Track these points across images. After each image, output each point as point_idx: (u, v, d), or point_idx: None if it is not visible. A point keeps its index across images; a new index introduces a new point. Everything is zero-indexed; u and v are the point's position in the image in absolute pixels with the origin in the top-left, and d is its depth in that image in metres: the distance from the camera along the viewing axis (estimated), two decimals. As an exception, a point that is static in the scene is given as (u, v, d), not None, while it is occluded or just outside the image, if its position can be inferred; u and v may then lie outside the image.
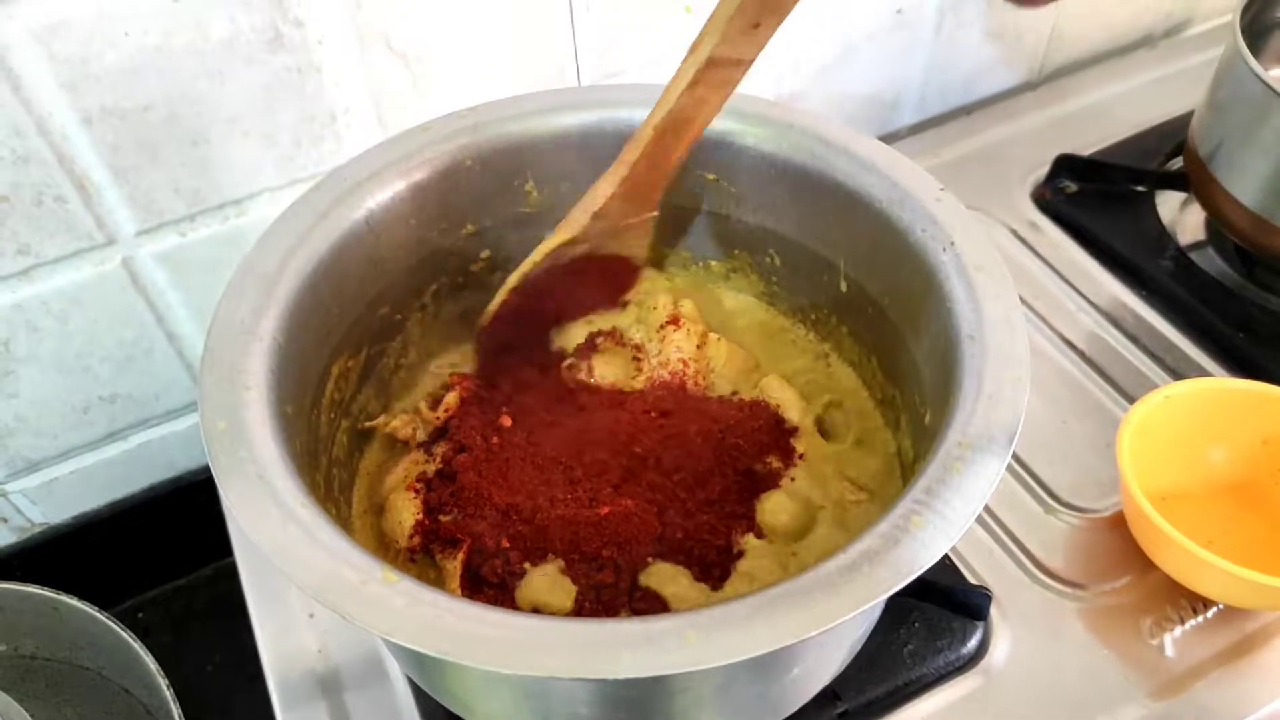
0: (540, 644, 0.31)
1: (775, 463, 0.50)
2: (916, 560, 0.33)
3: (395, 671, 0.55)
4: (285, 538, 0.34)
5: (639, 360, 0.55)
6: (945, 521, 0.34)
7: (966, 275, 0.43)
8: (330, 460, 0.48)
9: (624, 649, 0.30)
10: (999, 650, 0.55)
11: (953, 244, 0.45)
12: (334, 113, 0.60)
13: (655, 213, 0.55)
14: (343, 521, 0.48)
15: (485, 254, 0.57)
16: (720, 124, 0.52)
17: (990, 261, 0.44)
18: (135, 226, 0.59)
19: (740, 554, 0.46)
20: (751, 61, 0.46)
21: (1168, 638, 0.55)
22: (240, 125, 0.58)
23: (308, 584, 0.33)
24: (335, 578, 0.33)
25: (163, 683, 0.60)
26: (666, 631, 0.31)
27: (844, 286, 0.53)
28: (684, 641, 0.30)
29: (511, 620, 0.32)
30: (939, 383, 0.43)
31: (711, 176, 0.55)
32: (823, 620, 0.31)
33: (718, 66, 0.46)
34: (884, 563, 0.33)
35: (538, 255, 0.54)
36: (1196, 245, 0.77)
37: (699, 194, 0.56)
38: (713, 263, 0.60)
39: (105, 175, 0.56)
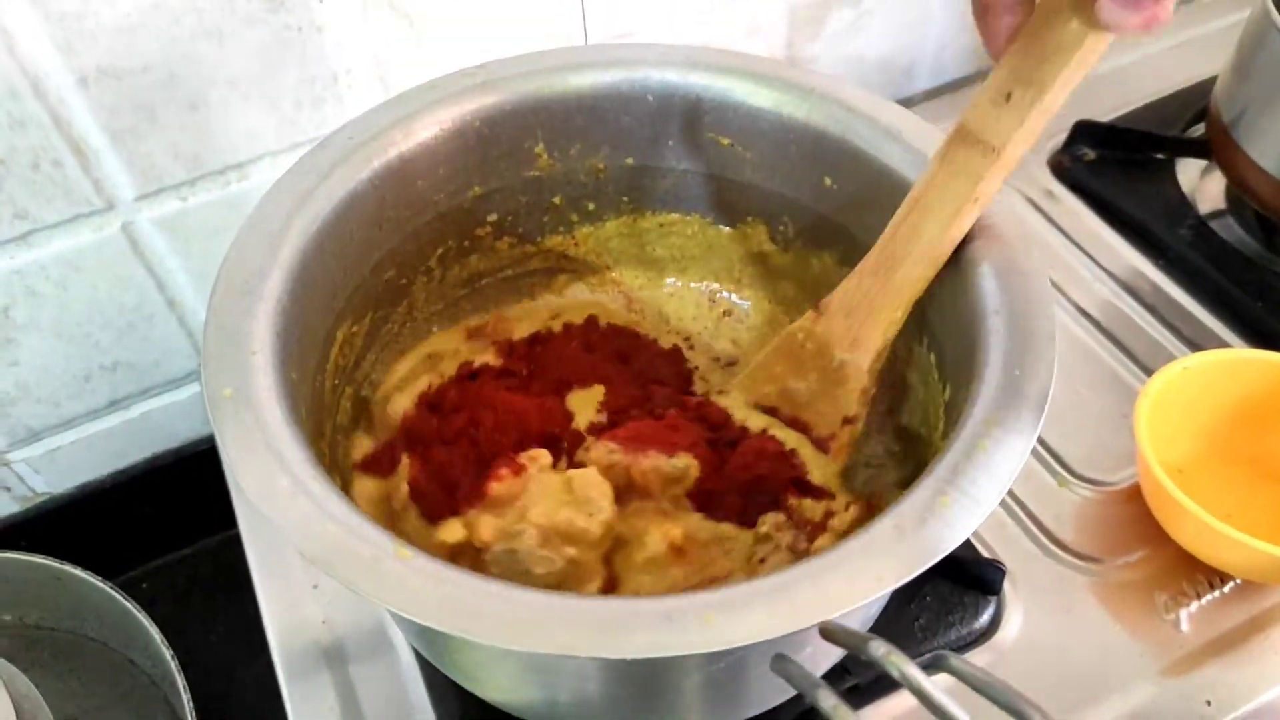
0: (555, 621, 0.30)
1: None
2: (943, 540, 0.32)
3: (400, 642, 0.54)
4: (296, 510, 0.33)
5: None
6: (972, 501, 0.33)
7: (993, 245, 0.42)
8: (334, 428, 0.48)
9: (642, 628, 0.30)
10: (1011, 625, 0.54)
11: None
12: (335, 74, 0.59)
13: (865, 364, 0.48)
14: (346, 491, 0.47)
15: (492, 218, 0.55)
16: (737, 86, 0.51)
17: (1016, 234, 0.42)
18: (134, 191, 0.57)
19: None
20: (1000, 152, 0.39)
21: (1183, 613, 0.54)
22: (240, 87, 0.56)
23: (319, 558, 0.32)
24: (348, 552, 0.32)
25: (167, 654, 0.60)
26: (685, 611, 0.30)
27: (861, 255, 0.52)
28: (703, 622, 0.30)
29: (525, 596, 0.31)
30: (961, 358, 0.42)
31: (725, 140, 0.53)
32: (846, 601, 0.30)
33: (963, 142, 0.40)
34: (910, 542, 0.32)
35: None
36: (1216, 214, 0.75)
37: (712, 158, 0.55)
38: (724, 229, 0.58)
39: (103, 139, 0.54)
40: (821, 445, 0.50)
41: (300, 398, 0.41)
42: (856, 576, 0.31)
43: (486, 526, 0.44)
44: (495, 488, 0.45)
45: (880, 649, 0.31)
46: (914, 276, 0.44)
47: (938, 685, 0.30)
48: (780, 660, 0.35)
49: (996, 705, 0.31)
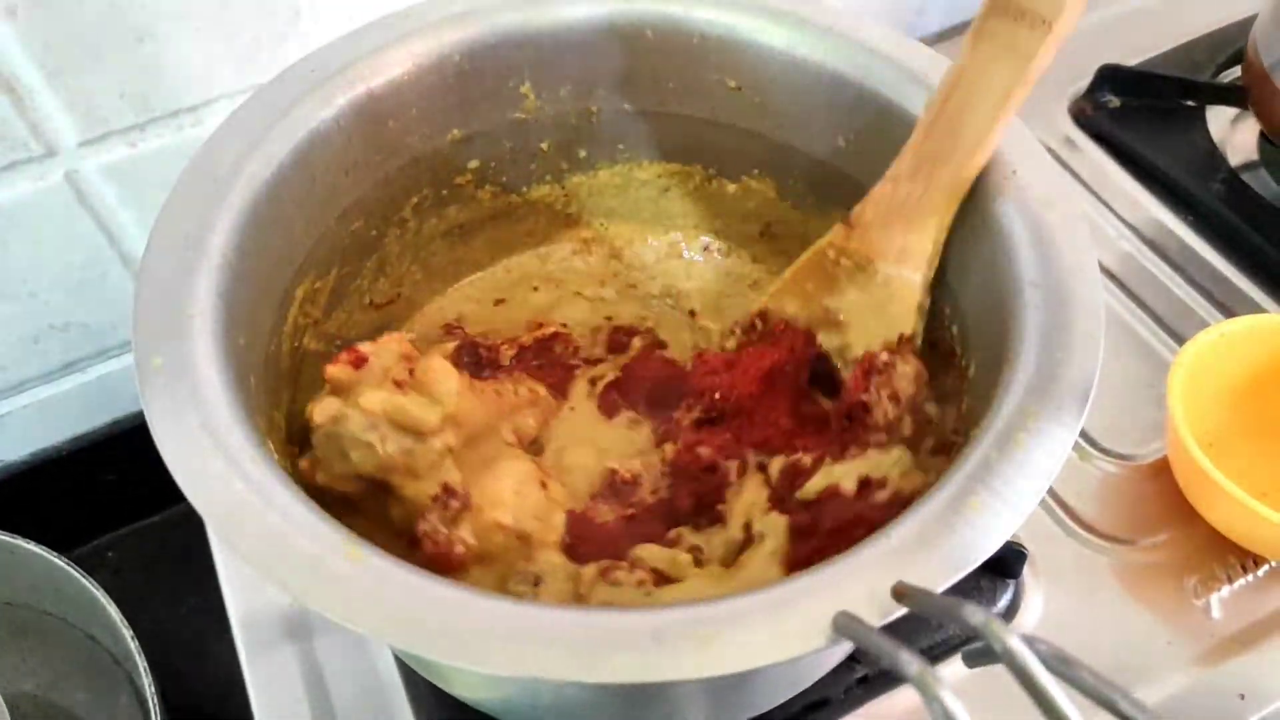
0: (525, 638, 0.26)
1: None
2: (974, 549, 0.28)
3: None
4: (230, 498, 0.29)
5: None
6: (1006, 504, 0.29)
7: (1030, 210, 0.38)
8: (293, 396, 0.43)
9: (626, 648, 0.25)
10: (1030, 611, 0.50)
11: (1014, 173, 0.39)
12: (297, 7, 0.53)
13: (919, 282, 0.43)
14: (306, 467, 0.43)
15: (473, 164, 0.50)
16: (746, 22, 0.46)
17: (1060, 194, 0.38)
18: (77, 136, 0.53)
19: None
20: (1053, 24, 0.35)
21: (1214, 598, 0.51)
22: (192, 20, 0.51)
23: (253, 555, 0.28)
24: (287, 549, 0.28)
25: (127, 633, 0.56)
26: (676, 628, 0.26)
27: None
28: (697, 641, 0.25)
29: (495, 607, 0.27)
30: (990, 332, 0.37)
31: (733, 84, 0.48)
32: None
33: (1005, 14, 0.36)
34: (934, 550, 0.28)
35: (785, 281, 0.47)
36: (1249, 166, 0.70)
37: (716, 104, 0.50)
38: (728, 184, 0.54)
39: (37, 76, 0.49)
40: (871, 366, 0.44)
41: (249, 365, 0.37)
42: (875, 589, 0.27)
43: (322, 408, 0.40)
44: (333, 371, 0.41)
45: (978, 616, 0.25)
46: (963, 173, 0.39)
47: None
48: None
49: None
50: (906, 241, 0.42)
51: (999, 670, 0.25)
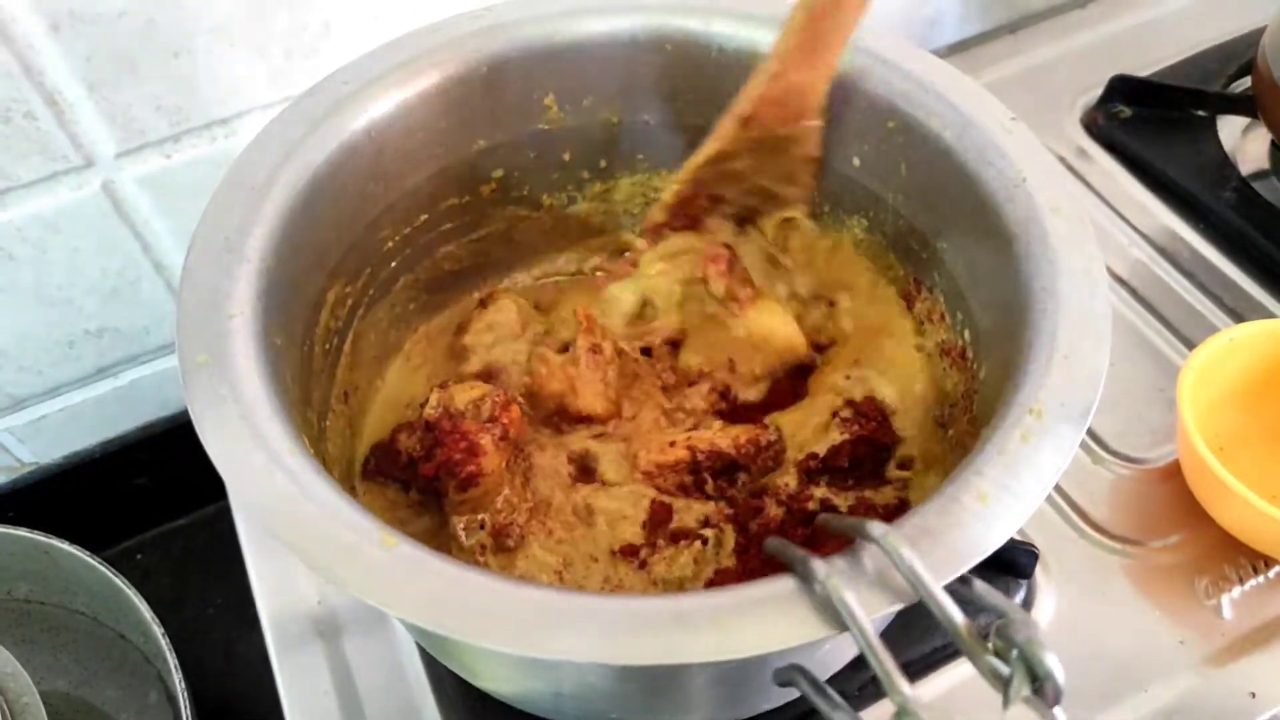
0: (554, 621, 0.27)
1: None
2: (982, 541, 0.29)
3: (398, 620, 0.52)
4: (271, 490, 0.30)
5: None
6: (1014, 498, 0.30)
7: (1039, 217, 0.39)
8: (324, 397, 0.45)
9: (649, 631, 0.27)
10: (1043, 611, 0.51)
11: (1024, 181, 0.40)
12: (328, 21, 0.55)
13: (818, 121, 0.47)
14: (340, 468, 0.44)
15: (498, 174, 0.52)
16: (764, 36, 0.47)
17: (1067, 203, 0.39)
18: (115, 147, 0.54)
19: None
20: None
21: (1225, 599, 0.51)
22: (226, 34, 0.53)
23: (296, 544, 0.29)
24: (327, 538, 0.29)
25: (158, 630, 0.58)
26: (697, 613, 0.27)
27: (892, 223, 0.48)
28: (717, 624, 0.27)
29: (522, 593, 0.28)
30: (1000, 336, 0.38)
31: (747, 94, 0.50)
32: (873, 607, 0.27)
33: None
34: (944, 542, 0.29)
35: (685, 174, 0.49)
36: (1259, 174, 0.71)
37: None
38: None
39: (79, 90, 0.51)
40: (780, 199, 0.50)
41: (285, 365, 0.38)
42: (884, 580, 0.28)
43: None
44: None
45: (878, 529, 0.29)
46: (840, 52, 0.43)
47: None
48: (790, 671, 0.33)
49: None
50: (802, 105, 0.46)
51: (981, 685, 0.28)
